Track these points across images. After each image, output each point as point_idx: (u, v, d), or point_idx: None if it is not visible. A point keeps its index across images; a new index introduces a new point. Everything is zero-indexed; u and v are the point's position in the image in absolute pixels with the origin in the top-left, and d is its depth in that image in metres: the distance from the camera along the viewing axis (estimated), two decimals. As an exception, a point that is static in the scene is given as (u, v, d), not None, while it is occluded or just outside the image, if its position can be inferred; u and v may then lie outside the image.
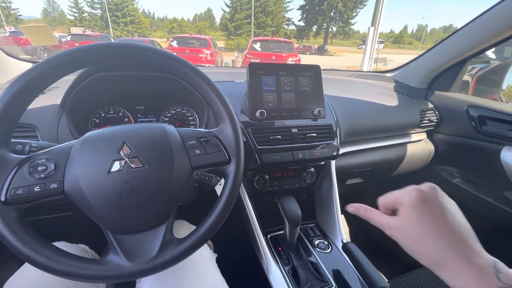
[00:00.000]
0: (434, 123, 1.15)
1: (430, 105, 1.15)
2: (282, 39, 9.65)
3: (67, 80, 0.68)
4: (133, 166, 0.43)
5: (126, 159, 0.43)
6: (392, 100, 1.11)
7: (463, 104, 1.07)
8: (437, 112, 1.14)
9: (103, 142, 0.44)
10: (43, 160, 0.42)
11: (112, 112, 0.79)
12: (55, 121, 0.66)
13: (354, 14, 37.55)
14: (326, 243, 0.81)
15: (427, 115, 1.12)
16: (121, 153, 0.44)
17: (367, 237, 1.57)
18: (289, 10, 43.07)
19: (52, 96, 0.71)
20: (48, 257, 0.39)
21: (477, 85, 1.13)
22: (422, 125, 1.11)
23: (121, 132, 0.46)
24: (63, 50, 0.45)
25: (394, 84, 1.28)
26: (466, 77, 1.19)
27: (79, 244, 0.62)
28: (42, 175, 0.41)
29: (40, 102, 0.70)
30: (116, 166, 0.43)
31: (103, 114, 0.78)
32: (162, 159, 0.45)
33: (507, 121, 0.94)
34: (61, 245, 0.56)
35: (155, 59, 0.48)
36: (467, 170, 1.14)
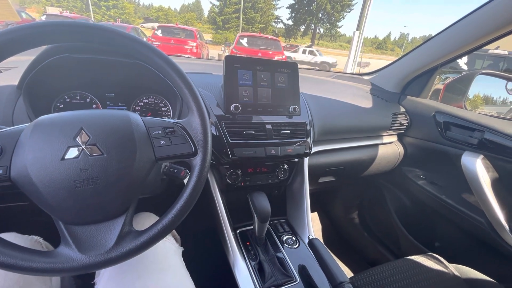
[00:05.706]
0: (405, 127, 1.20)
1: (402, 109, 1.20)
2: (269, 37, 9.63)
3: (27, 60, 0.63)
4: (90, 154, 0.41)
5: (83, 146, 0.41)
6: (367, 102, 1.14)
7: (431, 110, 1.12)
8: (407, 116, 1.19)
9: (58, 127, 0.42)
10: None
11: (78, 97, 0.75)
12: (10, 103, 0.61)
13: (341, 17, 38.34)
14: (294, 239, 0.82)
15: (398, 119, 1.16)
16: (78, 139, 0.41)
17: (338, 235, 1.62)
18: (279, 8, 43.24)
19: (9, 76, 0.66)
20: None
21: (445, 92, 1.19)
22: (393, 128, 1.16)
23: (79, 118, 0.43)
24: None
25: (371, 87, 1.31)
26: (439, 86, 1.25)
27: (31, 236, 0.58)
28: None
29: None
30: (71, 153, 0.40)
31: (68, 99, 0.73)
32: (123, 148, 0.43)
33: (468, 127, 1.00)
34: (10, 236, 0.53)
35: (117, 41, 0.46)
36: (432, 172, 1.20)
